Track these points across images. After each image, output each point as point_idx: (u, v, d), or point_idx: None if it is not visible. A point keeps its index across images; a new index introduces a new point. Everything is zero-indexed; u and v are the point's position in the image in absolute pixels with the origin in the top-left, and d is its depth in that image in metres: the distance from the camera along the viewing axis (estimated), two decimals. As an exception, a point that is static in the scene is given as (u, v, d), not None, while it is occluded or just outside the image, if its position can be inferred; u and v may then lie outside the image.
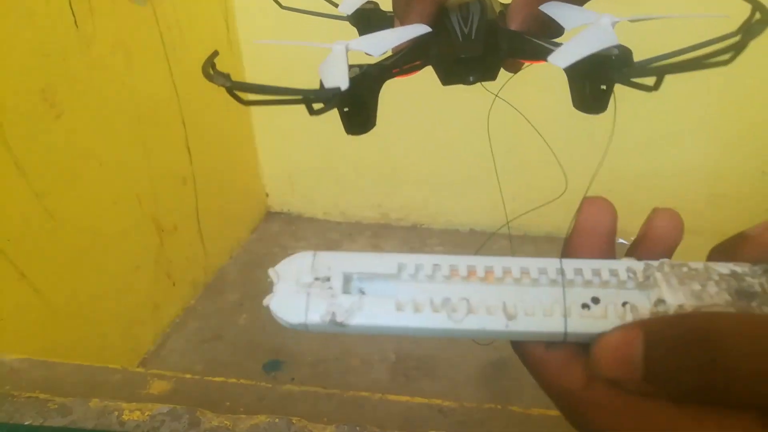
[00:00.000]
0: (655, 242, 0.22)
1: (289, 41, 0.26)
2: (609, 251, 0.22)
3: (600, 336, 0.19)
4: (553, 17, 0.25)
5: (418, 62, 0.27)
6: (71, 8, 0.77)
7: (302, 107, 0.23)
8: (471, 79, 0.27)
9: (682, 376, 0.16)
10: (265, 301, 0.20)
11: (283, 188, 1.49)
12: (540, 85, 1.23)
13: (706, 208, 1.23)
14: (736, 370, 0.15)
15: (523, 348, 0.21)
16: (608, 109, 0.24)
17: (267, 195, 1.51)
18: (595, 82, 0.23)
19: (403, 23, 0.26)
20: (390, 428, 0.39)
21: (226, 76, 0.22)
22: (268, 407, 0.43)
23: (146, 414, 0.39)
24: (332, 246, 1.36)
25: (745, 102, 1.13)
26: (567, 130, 1.26)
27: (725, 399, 0.16)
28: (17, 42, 0.70)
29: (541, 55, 0.24)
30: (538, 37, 0.25)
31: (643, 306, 0.19)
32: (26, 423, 0.39)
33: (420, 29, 0.25)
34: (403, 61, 0.26)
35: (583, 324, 0.20)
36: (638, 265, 0.21)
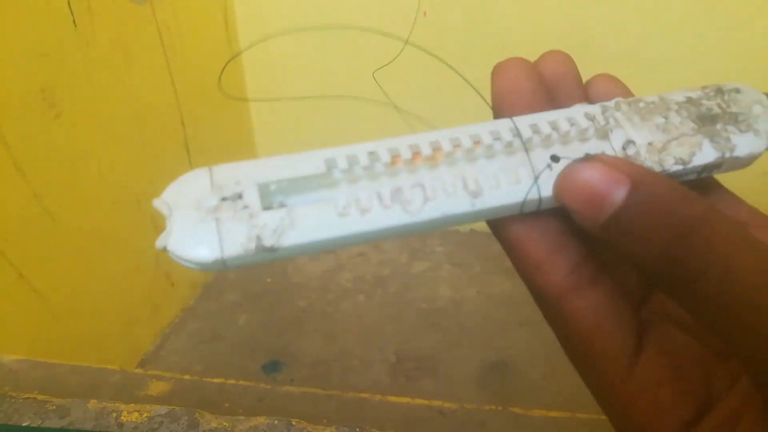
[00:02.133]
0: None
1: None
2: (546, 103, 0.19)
3: (576, 163, 0.16)
4: None
5: None
6: (70, 7, 0.77)
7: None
8: None
9: (646, 244, 0.15)
10: (159, 242, 0.15)
11: (283, 188, 1.49)
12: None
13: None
14: (712, 276, 0.14)
15: (504, 232, 0.19)
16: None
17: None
18: None
19: None
20: (390, 429, 0.39)
21: None
22: (268, 408, 0.43)
23: (145, 415, 0.39)
24: (332, 246, 1.36)
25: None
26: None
27: (677, 292, 0.15)
28: (15, 42, 0.70)
29: None
30: None
31: (611, 152, 0.18)
32: (24, 424, 0.39)
33: None
34: None
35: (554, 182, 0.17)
36: (594, 109, 0.19)
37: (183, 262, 0.15)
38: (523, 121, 0.18)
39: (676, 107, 0.19)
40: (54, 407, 0.40)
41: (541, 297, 0.19)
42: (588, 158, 0.17)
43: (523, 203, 0.17)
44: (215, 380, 0.46)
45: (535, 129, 0.18)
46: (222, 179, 0.16)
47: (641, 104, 0.20)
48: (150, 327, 1.03)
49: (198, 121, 1.12)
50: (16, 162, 0.70)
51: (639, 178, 0.15)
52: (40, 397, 0.41)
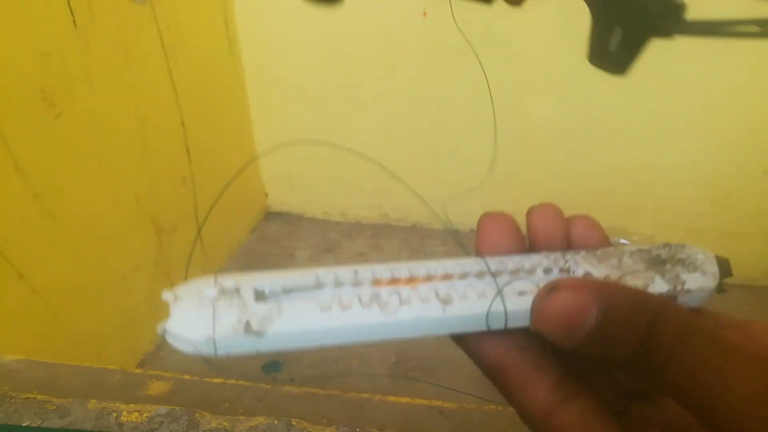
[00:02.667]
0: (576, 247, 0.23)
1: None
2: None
3: (546, 292, 0.18)
4: None
5: None
6: (70, 8, 0.77)
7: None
8: None
9: (619, 351, 0.17)
10: (160, 327, 0.17)
11: (283, 188, 1.49)
12: (542, 87, 1.24)
13: (707, 208, 1.23)
14: (673, 366, 0.16)
15: (469, 344, 0.20)
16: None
17: (267, 195, 1.51)
18: (629, 30, 0.18)
19: None
20: (390, 429, 0.39)
21: None
22: (268, 408, 0.43)
23: (145, 415, 0.39)
24: (332, 246, 1.36)
25: (746, 102, 1.13)
26: (568, 131, 1.26)
27: (653, 381, 0.17)
28: (16, 42, 0.70)
29: None
30: None
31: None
32: (24, 424, 0.39)
33: None
34: None
35: (520, 302, 0.19)
36: (556, 254, 0.21)
37: (177, 342, 0.17)
38: (494, 259, 0.20)
39: (629, 253, 0.22)
40: (54, 407, 0.40)
41: (528, 415, 0.20)
42: (553, 286, 0.18)
43: (488, 314, 0.19)
44: (215, 380, 0.46)
45: (503, 264, 0.20)
46: (225, 282, 0.18)
47: (598, 252, 0.22)
48: (150, 327, 1.03)
49: (198, 121, 1.12)
50: (16, 162, 0.70)
51: (603, 296, 0.17)
52: (40, 397, 0.41)
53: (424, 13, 1.19)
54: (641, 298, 0.18)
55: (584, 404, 0.19)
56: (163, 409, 0.40)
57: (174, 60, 1.02)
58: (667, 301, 0.18)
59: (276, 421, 0.39)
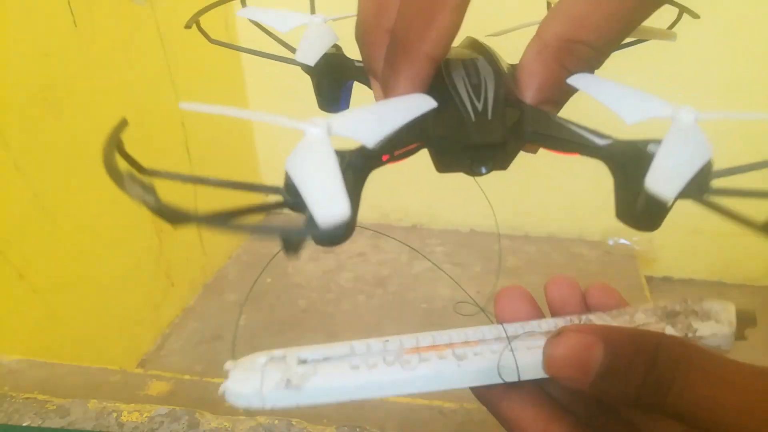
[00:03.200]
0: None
1: (225, 109, 0.18)
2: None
3: (554, 337, 0.19)
4: (596, 97, 0.19)
5: (413, 145, 0.21)
6: (70, 7, 0.77)
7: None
8: (483, 170, 0.21)
9: (628, 384, 0.18)
10: (221, 388, 0.21)
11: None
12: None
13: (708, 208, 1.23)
14: (675, 388, 0.18)
15: (484, 395, 0.23)
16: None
17: (267, 195, 1.51)
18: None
19: (387, 87, 0.20)
20: (390, 429, 0.39)
21: (149, 190, 0.15)
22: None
23: (145, 415, 0.39)
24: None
25: (747, 101, 1.13)
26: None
27: (661, 409, 0.18)
28: (16, 41, 0.70)
29: (585, 149, 0.19)
30: (557, 111, 0.20)
31: None
32: (24, 424, 0.39)
33: (423, 103, 0.19)
34: (397, 144, 0.19)
35: (532, 355, 0.21)
36: (572, 316, 0.23)
37: (233, 398, 0.21)
38: (512, 325, 0.23)
39: (642, 311, 0.23)
40: (54, 407, 0.40)
41: None
42: (559, 332, 0.19)
43: (499, 365, 0.21)
44: (215, 380, 0.46)
45: (521, 327, 0.22)
46: (274, 353, 0.22)
47: (613, 312, 0.24)
48: (150, 327, 1.03)
49: (198, 121, 1.12)
50: (15, 161, 0.70)
51: (606, 334, 0.19)
52: (40, 397, 0.41)
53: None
54: (642, 332, 0.19)
55: None
56: (163, 409, 0.40)
57: (174, 60, 1.02)
58: (664, 336, 0.19)
59: (276, 421, 0.39)
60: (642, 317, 0.23)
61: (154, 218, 0.99)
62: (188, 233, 1.13)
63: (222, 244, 1.29)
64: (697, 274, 1.31)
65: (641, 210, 0.18)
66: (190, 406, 0.40)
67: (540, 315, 0.24)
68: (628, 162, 0.18)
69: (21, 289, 0.73)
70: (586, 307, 0.24)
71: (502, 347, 0.21)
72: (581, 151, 0.19)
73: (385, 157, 0.20)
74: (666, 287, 1.30)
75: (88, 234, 0.85)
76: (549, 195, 1.32)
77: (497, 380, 0.21)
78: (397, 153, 0.20)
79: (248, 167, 1.42)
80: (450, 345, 0.22)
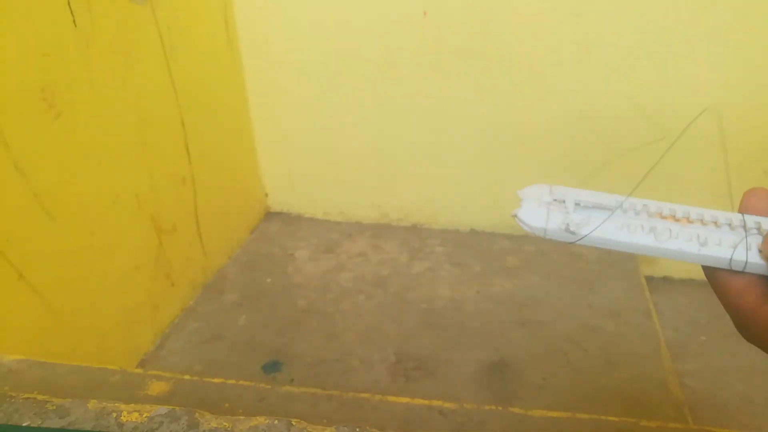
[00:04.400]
0: None
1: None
2: None
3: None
4: None
5: None
6: (70, 7, 0.77)
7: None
8: None
9: None
10: (513, 212, 0.27)
11: (283, 188, 1.49)
12: (543, 90, 1.24)
13: (708, 208, 1.23)
14: None
15: (713, 273, 0.27)
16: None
17: (266, 195, 1.51)
18: None
19: None
20: (390, 429, 0.39)
21: None
22: (268, 408, 0.43)
23: (145, 415, 0.39)
24: (332, 246, 1.36)
25: (747, 101, 1.13)
26: (569, 135, 1.26)
27: None
28: (16, 41, 0.70)
29: None
30: None
31: None
32: (24, 424, 0.39)
33: None
34: None
35: (760, 257, 0.25)
36: None
37: (522, 224, 0.27)
38: (751, 218, 0.26)
39: None
40: (54, 407, 0.40)
41: (738, 313, 0.26)
42: None
43: (735, 261, 0.26)
44: (215, 380, 0.46)
45: (756, 223, 0.26)
46: (555, 192, 0.27)
47: None
48: (150, 327, 1.03)
49: (198, 121, 1.12)
50: (15, 162, 0.70)
51: None
52: (40, 397, 0.41)
53: (425, 13, 1.19)
54: None
55: None
56: (163, 409, 0.40)
57: (174, 60, 1.02)
58: None
59: (276, 421, 0.38)
60: None
61: (154, 218, 1.00)
62: (188, 233, 1.13)
63: (222, 244, 1.29)
64: (697, 274, 1.31)
65: None
66: (190, 406, 0.40)
67: None
68: None
69: (21, 289, 0.73)
70: None
71: (738, 240, 0.26)
72: None
73: None
74: (666, 287, 1.30)
75: (88, 234, 0.85)
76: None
77: (727, 267, 0.26)
78: None
79: (248, 167, 1.42)
80: (699, 220, 0.27)
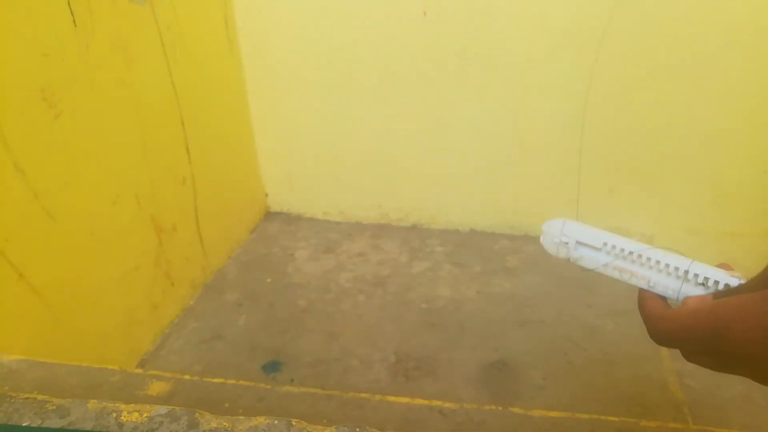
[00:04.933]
0: None
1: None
2: None
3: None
4: None
5: None
6: (70, 7, 0.77)
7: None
8: None
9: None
10: (540, 238, 0.42)
11: (283, 188, 1.49)
12: (543, 91, 1.24)
13: (708, 208, 1.23)
14: (736, 348, 0.28)
15: (642, 293, 0.37)
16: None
17: (266, 195, 1.51)
18: None
19: None
20: (390, 429, 0.39)
21: None
22: (268, 408, 0.43)
23: (145, 415, 0.39)
24: (332, 246, 1.36)
25: (747, 101, 1.13)
26: (569, 135, 1.26)
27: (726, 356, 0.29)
28: (16, 41, 0.70)
29: None
30: None
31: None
32: (24, 424, 0.39)
33: None
34: None
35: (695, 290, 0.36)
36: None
37: (544, 248, 0.42)
38: (694, 267, 0.37)
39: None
40: (54, 407, 0.40)
41: (649, 316, 0.36)
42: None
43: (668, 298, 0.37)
44: (215, 380, 0.46)
45: (695, 275, 0.37)
46: (566, 229, 0.40)
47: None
48: (150, 327, 1.03)
49: (198, 121, 1.12)
50: (15, 162, 0.70)
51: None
52: (40, 397, 0.41)
53: (425, 13, 1.19)
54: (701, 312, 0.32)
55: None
56: (163, 409, 0.40)
57: (174, 60, 1.02)
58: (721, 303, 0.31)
59: (276, 421, 0.38)
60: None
61: (154, 218, 1.00)
62: (188, 233, 1.13)
63: (222, 244, 1.29)
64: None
65: None
66: (190, 406, 0.40)
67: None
68: None
69: (21, 289, 0.73)
70: None
71: (678, 287, 0.37)
72: None
73: None
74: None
75: (88, 234, 0.85)
76: (549, 195, 1.32)
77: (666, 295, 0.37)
78: None
79: (248, 167, 1.42)
80: (656, 263, 0.37)
